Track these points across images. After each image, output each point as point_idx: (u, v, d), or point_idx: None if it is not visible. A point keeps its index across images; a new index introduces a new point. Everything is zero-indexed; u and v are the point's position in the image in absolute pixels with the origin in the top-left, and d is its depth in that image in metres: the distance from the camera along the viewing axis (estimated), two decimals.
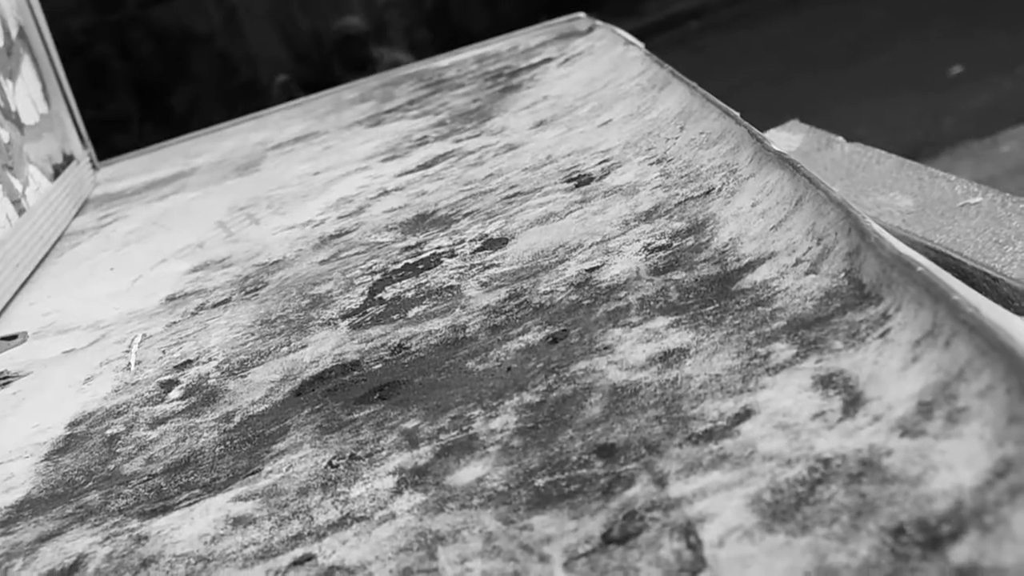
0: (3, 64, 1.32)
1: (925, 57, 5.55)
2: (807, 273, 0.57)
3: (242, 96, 8.02)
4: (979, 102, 4.93)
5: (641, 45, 1.30)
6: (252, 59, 8.29)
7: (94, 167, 1.59)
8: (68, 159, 1.47)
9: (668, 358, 0.55)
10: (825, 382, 0.48)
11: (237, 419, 0.68)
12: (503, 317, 0.68)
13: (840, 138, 1.20)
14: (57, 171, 1.40)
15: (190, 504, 0.59)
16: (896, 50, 5.83)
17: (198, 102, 7.95)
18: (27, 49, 1.44)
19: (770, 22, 7.37)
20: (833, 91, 5.42)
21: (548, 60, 1.40)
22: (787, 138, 1.25)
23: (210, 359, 0.79)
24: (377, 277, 0.83)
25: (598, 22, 1.49)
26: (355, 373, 0.68)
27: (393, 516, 0.51)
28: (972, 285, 0.89)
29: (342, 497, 0.54)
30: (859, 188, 1.06)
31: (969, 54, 5.37)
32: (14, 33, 1.40)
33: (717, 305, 0.59)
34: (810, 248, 0.59)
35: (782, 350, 0.52)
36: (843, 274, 0.55)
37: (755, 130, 0.77)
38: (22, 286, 1.16)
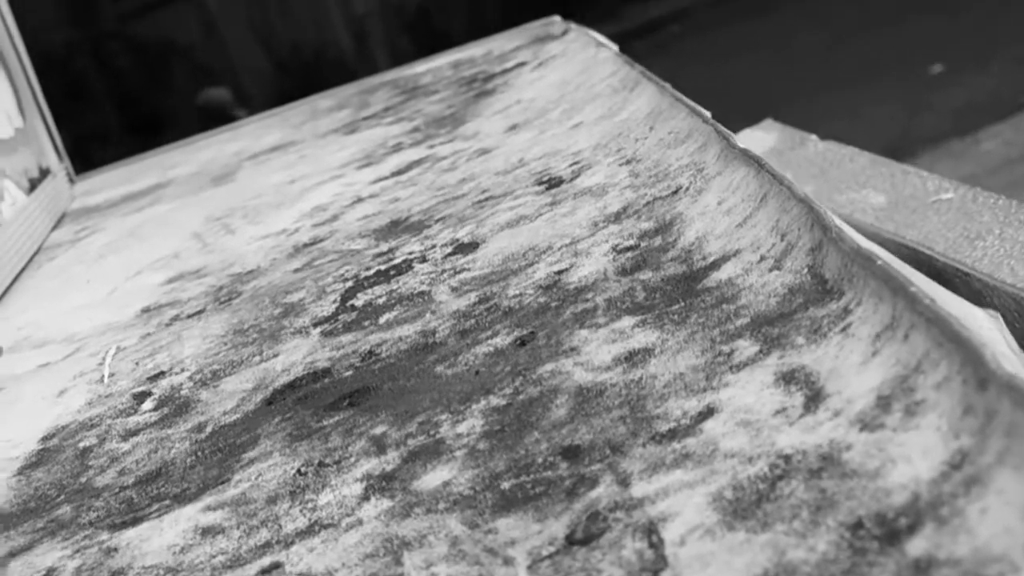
0: None
1: (903, 56, 5.56)
2: (771, 270, 0.58)
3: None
4: (958, 100, 4.94)
5: (615, 47, 1.30)
6: (233, 70, 8.29)
7: (71, 180, 1.59)
8: (44, 172, 1.47)
9: (633, 358, 0.55)
10: (787, 378, 0.48)
11: (209, 429, 0.68)
12: (472, 321, 0.68)
13: (814, 136, 1.20)
14: (33, 185, 1.40)
15: (160, 515, 0.59)
16: (873, 49, 5.85)
17: (179, 115, 7.95)
18: (0, 63, 1.44)
19: (750, 23, 7.39)
20: (812, 93, 5.43)
21: (522, 64, 1.40)
22: (761, 137, 1.25)
23: (183, 370, 0.79)
24: (349, 284, 0.83)
25: (572, 25, 1.50)
26: (326, 380, 0.68)
27: (360, 522, 0.51)
28: (944, 281, 0.89)
29: (310, 504, 0.54)
30: (832, 185, 1.07)
31: (946, 52, 5.38)
32: None
33: (683, 304, 0.59)
34: (774, 244, 0.59)
35: (745, 347, 0.52)
36: (806, 270, 0.55)
37: (722, 128, 0.77)
38: None
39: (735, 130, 1.01)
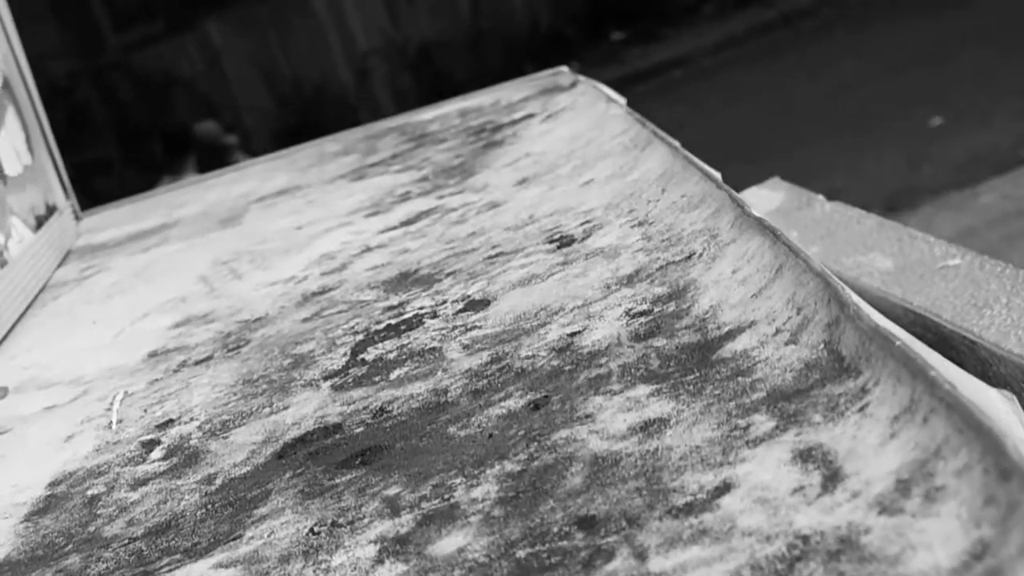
0: None
1: (903, 107, 5.60)
2: (787, 343, 0.58)
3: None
4: (957, 153, 4.98)
5: (623, 101, 1.31)
6: (235, 104, 8.33)
7: (77, 217, 1.59)
8: (51, 210, 1.47)
9: (649, 428, 0.56)
10: (804, 456, 0.48)
11: (219, 481, 0.68)
12: (485, 381, 0.68)
13: (821, 197, 1.20)
14: (40, 222, 1.40)
15: (171, 570, 0.59)
16: (874, 99, 5.88)
17: (179, 146, 7.97)
18: (11, 99, 1.44)
19: (751, 70, 7.42)
20: (813, 141, 5.46)
21: (531, 116, 1.41)
22: (768, 196, 1.26)
23: (192, 419, 0.79)
24: (359, 337, 0.83)
25: (581, 77, 1.50)
26: (337, 436, 0.68)
27: None
28: (951, 348, 0.90)
29: (323, 565, 0.54)
30: (839, 248, 1.07)
31: (946, 105, 5.42)
32: None
33: (698, 374, 0.59)
34: (790, 318, 0.60)
35: (762, 422, 0.52)
36: (822, 345, 0.56)
37: (735, 194, 0.77)
38: (2, 340, 1.16)
39: (739, 182, 1.01)
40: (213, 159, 4.95)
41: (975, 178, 4.66)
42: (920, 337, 0.92)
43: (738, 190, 0.90)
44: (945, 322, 0.90)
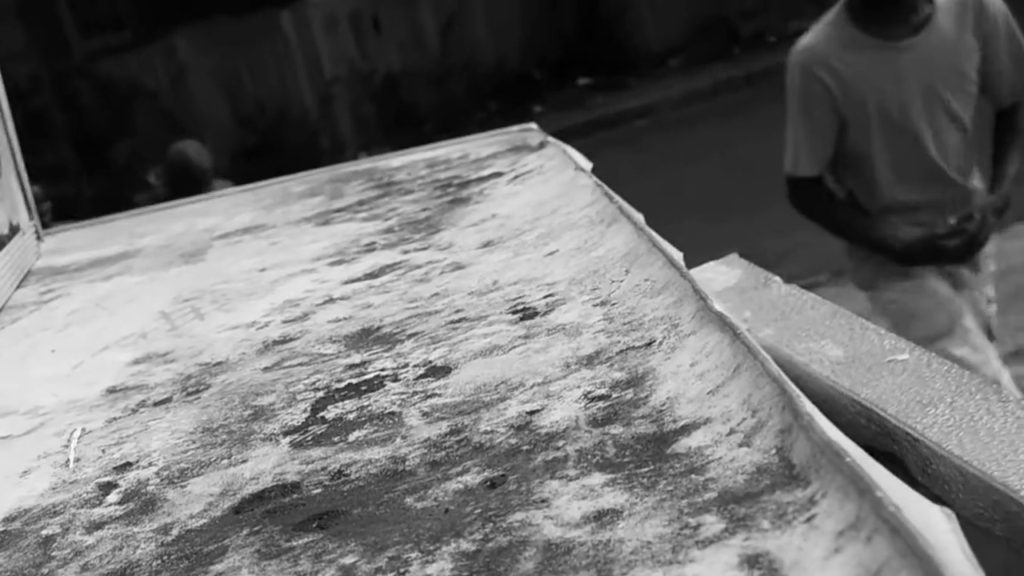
0: None
1: None
2: (740, 445, 0.60)
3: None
4: None
5: (589, 166, 1.34)
6: (196, 119, 8.32)
7: (39, 238, 1.60)
8: (14, 230, 1.48)
9: (602, 518, 0.58)
10: (751, 562, 0.50)
11: (175, 532, 0.69)
12: (443, 453, 0.70)
13: (777, 278, 1.23)
14: (2, 242, 1.41)
15: None
16: None
17: (138, 157, 7.96)
18: None
19: (715, 126, 7.50)
20: (771, 200, 5.51)
21: (498, 174, 1.43)
22: (725, 272, 1.28)
23: (150, 463, 0.80)
24: (320, 394, 0.85)
25: (550, 138, 1.53)
26: (295, 496, 0.70)
27: None
28: (894, 442, 0.92)
29: None
30: (792, 332, 1.10)
31: None
32: None
33: (652, 467, 0.61)
34: (744, 419, 0.62)
35: (712, 523, 0.54)
36: (774, 451, 0.58)
37: (698, 285, 0.79)
38: None
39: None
40: (186, 184, 4.74)
41: None
42: (864, 429, 0.95)
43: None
44: (890, 416, 0.93)
